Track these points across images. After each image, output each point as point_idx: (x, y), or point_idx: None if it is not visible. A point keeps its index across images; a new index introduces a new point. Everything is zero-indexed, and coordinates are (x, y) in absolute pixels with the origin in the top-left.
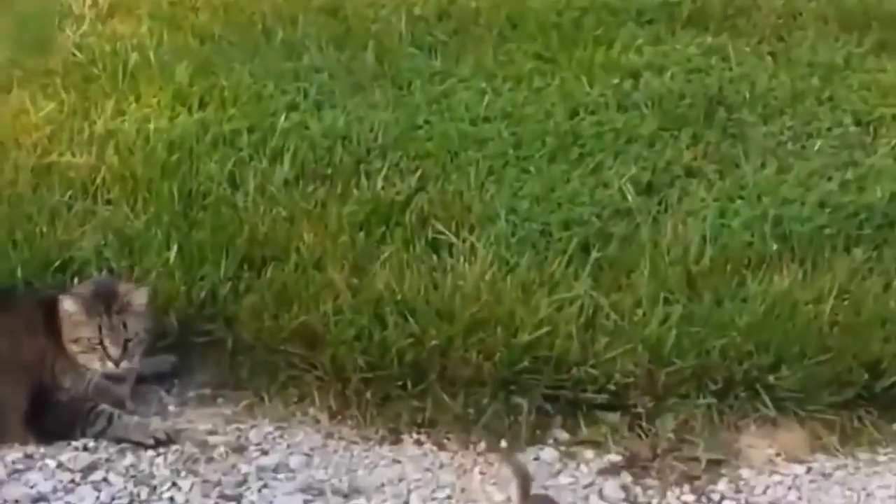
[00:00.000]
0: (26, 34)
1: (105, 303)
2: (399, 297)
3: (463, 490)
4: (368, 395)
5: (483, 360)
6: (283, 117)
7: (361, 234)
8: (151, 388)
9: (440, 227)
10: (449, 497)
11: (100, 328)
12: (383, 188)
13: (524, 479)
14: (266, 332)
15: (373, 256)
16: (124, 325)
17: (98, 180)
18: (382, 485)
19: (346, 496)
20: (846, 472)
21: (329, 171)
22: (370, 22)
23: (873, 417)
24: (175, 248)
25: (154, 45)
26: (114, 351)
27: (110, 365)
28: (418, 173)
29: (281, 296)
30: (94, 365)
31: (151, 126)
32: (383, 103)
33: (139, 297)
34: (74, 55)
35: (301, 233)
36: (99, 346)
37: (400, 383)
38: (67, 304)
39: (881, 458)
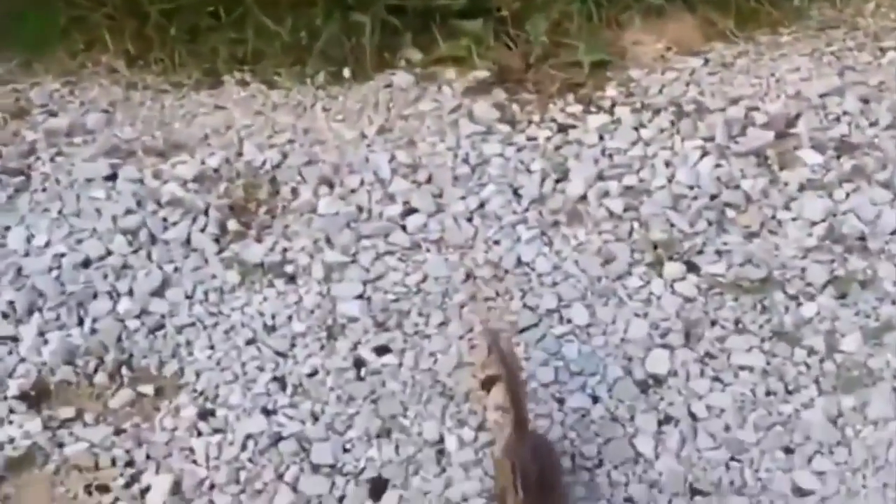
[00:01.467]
0: None
1: None
2: None
3: (306, 131)
4: (173, 30)
5: None
6: None
7: None
8: None
9: None
10: (291, 141)
11: None
12: None
13: (515, 395)
14: None
15: None
16: None
17: None
18: (206, 136)
19: (162, 154)
20: (748, 58)
21: None
22: None
23: None
24: None
25: None
26: None
27: None
28: None
29: None
30: None
31: None
32: None
33: None
34: None
35: None
36: None
37: (210, 10)
38: None
39: (784, 39)
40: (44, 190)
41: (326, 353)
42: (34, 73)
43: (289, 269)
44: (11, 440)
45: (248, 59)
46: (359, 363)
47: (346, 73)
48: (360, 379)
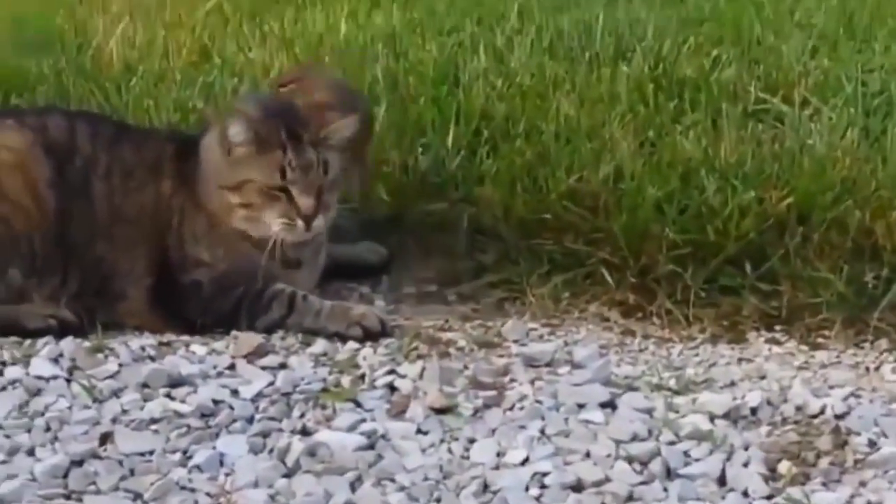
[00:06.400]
0: None
1: (289, 128)
2: None
3: (874, 389)
4: (688, 279)
5: None
6: None
7: None
8: (346, 287)
9: None
10: (855, 395)
11: (284, 168)
12: None
13: None
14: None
15: None
16: (324, 165)
17: None
18: (733, 382)
19: (676, 392)
20: None
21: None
22: None
23: None
24: None
25: None
26: (305, 202)
27: (300, 225)
28: None
29: None
30: (271, 226)
31: None
32: None
33: (345, 129)
34: None
35: None
36: (281, 197)
37: (731, 258)
38: (234, 129)
39: None
40: (521, 409)
41: None
42: (506, 314)
43: None
44: None
45: (782, 316)
46: None
47: None
48: None
